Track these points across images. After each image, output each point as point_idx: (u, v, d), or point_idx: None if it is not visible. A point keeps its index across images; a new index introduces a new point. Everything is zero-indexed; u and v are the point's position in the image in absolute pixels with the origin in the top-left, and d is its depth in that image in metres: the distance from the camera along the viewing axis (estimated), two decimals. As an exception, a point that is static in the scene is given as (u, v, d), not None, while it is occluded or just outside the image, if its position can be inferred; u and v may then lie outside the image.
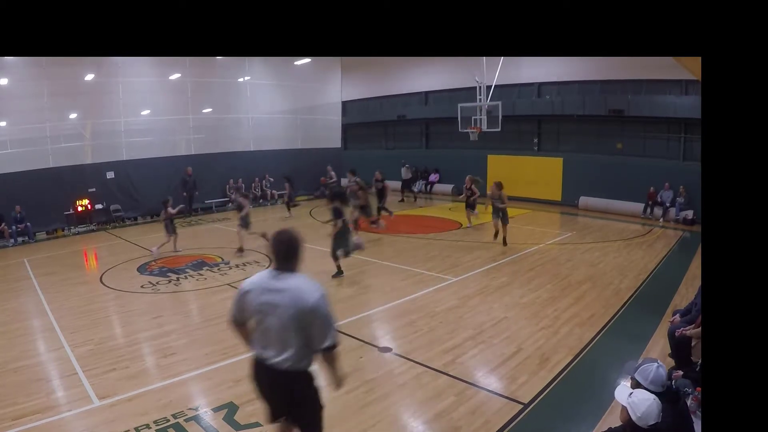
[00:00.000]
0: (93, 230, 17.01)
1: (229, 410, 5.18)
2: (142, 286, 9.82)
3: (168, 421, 4.98)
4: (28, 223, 15.64)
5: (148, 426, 4.90)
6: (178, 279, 10.15)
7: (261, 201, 21.23)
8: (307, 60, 21.78)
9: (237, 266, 10.80)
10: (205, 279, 10.03)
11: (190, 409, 5.20)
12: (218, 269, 10.64)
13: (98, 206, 17.48)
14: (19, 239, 15.47)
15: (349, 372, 5.99)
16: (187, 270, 10.78)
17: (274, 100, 21.99)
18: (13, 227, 15.32)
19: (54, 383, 6.09)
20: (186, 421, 4.97)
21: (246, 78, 21.02)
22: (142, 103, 18.50)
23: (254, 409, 5.17)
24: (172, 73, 18.88)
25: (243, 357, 6.33)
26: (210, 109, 20.25)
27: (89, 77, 17.14)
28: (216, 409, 5.19)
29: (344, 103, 25.75)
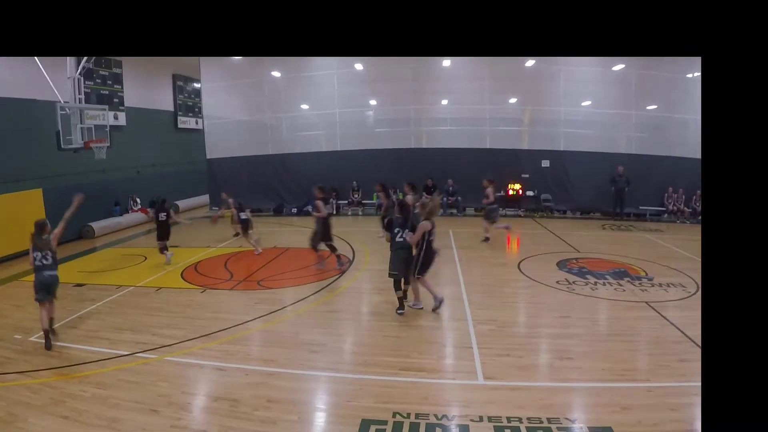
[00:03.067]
0: (520, 215, 18.67)
1: (606, 436, 4.95)
2: (557, 282, 10.24)
3: (541, 422, 5.05)
4: (459, 198, 18.35)
5: (520, 420, 5.09)
6: (595, 283, 10.12)
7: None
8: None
9: (660, 285, 10.05)
10: (624, 291, 9.69)
11: (566, 419, 5.14)
12: (639, 283, 10.10)
13: (529, 193, 19.00)
14: (448, 211, 18.23)
15: None
16: (607, 276, 10.64)
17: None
18: (444, 199, 18.17)
19: (447, 350, 7.09)
20: (558, 429, 4.94)
21: (696, 74, 18.87)
22: (583, 94, 19.01)
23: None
24: (616, 63, 18.62)
25: (639, 385, 5.94)
26: (655, 106, 19.09)
27: (530, 63, 18.65)
28: (593, 429, 5.01)
29: None
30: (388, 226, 8.84)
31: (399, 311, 8.51)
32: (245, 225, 13.95)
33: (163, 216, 12.80)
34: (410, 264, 8.45)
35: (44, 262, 7.60)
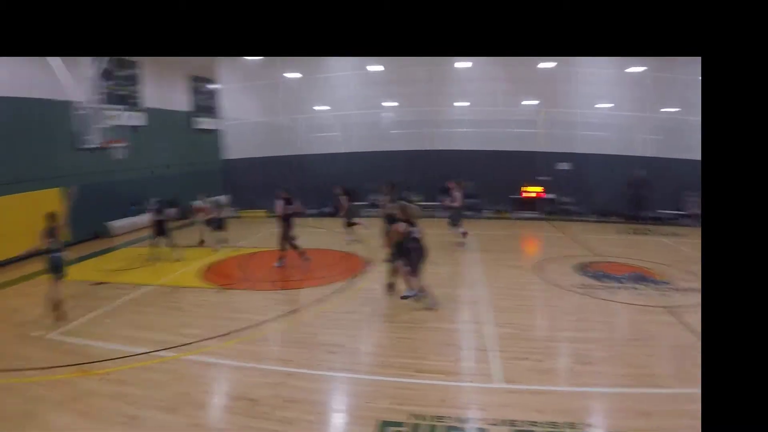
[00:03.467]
0: (537, 218, 18.57)
1: (625, 441, 4.93)
2: (575, 286, 10.20)
3: (557, 428, 5.05)
4: (478, 200, 18.50)
5: (537, 424, 5.10)
6: (613, 288, 10.07)
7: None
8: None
9: (677, 289, 9.97)
10: (642, 295, 9.63)
11: (585, 424, 5.13)
12: (657, 288, 10.05)
13: (546, 196, 18.93)
14: (466, 213, 18.54)
15: None
16: (624, 280, 10.59)
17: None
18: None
19: (465, 353, 7.10)
20: (576, 435, 4.98)
21: None
22: (599, 96, 18.91)
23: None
24: (632, 65, 18.46)
25: (658, 391, 5.91)
26: (672, 109, 18.94)
27: (546, 65, 18.62)
28: (611, 436, 5.01)
29: None
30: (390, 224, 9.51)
31: (390, 292, 9.71)
32: (219, 224, 14.34)
33: (161, 216, 13.25)
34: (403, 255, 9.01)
35: (52, 246, 8.86)
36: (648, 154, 18.66)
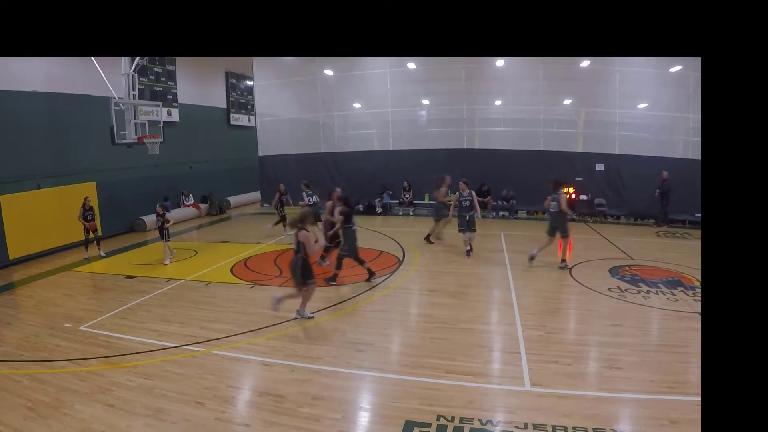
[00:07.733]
0: (573, 220, 18.33)
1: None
2: (609, 289, 10.11)
3: (585, 432, 5.10)
4: (513, 200, 18.47)
5: (565, 429, 5.11)
6: (648, 292, 9.95)
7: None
8: None
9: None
10: (677, 300, 9.49)
11: (612, 430, 5.13)
12: (693, 293, 9.87)
13: (582, 197, 18.74)
14: (500, 213, 18.58)
15: None
16: (660, 285, 10.44)
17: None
18: (498, 201, 18.42)
19: (495, 354, 7.16)
20: (605, 440, 4.98)
21: None
22: (638, 96, 18.54)
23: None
24: (673, 65, 17.98)
25: (688, 398, 5.85)
26: None
27: (584, 63, 18.36)
28: (638, 443, 4.99)
29: None
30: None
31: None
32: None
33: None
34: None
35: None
36: (688, 156, 18.16)
